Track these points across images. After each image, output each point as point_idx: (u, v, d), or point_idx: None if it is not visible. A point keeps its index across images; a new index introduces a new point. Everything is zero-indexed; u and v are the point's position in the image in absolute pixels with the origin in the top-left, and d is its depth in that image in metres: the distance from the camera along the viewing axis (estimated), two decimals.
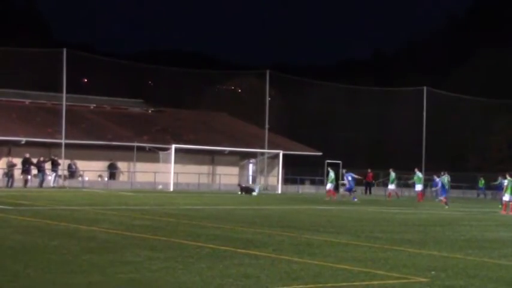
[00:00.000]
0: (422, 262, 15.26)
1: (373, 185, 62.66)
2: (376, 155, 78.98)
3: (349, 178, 43.86)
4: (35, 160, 49.84)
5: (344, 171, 44.61)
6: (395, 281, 12.60)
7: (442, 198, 43.44)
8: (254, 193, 48.16)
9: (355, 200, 42.87)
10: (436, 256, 16.52)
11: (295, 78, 70.53)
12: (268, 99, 62.63)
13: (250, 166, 52.67)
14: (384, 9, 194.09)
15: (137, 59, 72.87)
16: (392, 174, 53.06)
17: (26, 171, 49.39)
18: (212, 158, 59.95)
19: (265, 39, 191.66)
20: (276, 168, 59.35)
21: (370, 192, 59.74)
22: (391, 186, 53.18)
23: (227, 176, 58.69)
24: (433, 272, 13.73)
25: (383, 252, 16.87)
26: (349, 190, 44.14)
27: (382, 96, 79.63)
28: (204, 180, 58.73)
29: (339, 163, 63.28)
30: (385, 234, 21.56)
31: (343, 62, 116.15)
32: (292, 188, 57.54)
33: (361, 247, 17.76)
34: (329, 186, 47.05)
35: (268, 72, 62.36)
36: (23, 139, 51.46)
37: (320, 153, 63.67)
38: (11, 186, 47.84)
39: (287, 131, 70.77)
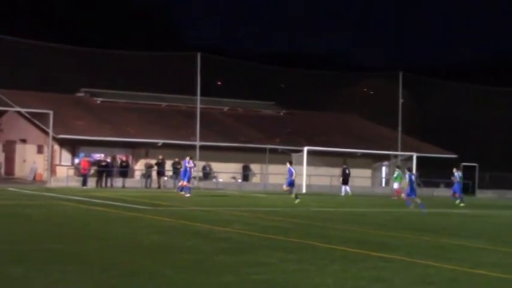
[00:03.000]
0: None
1: None
2: None
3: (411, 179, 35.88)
4: (170, 162, 51.11)
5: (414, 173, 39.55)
6: None
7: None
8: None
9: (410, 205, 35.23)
10: None
11: (428, 80, 69.27)
12: (401, 100, 61.82)
13: (383, 169, 52.03)
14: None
15: (268, 61, 73.40)
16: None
17: (161, 172, 50.70)
18: (344, 160, 59.64)
19: (395, 41, 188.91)
20: None
21: None
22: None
23: (359, 178, 58.30)
24: None
25: None
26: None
27: None
28: (336, 182, 58.52)
29: (475, 166, 61.73)
30: None
31: (474, 62, 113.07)
32: (426, 191, 56.42)
33: (499, 252, 17.26)
34: (396, 185, 47.89)
35: (401, 73, 61.57)
36: (160, 141, 52.81)
37: (455, 156, 62.27)
38: (149, 186, 49.39)
39: (420, 133, 69.58)
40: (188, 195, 37.72)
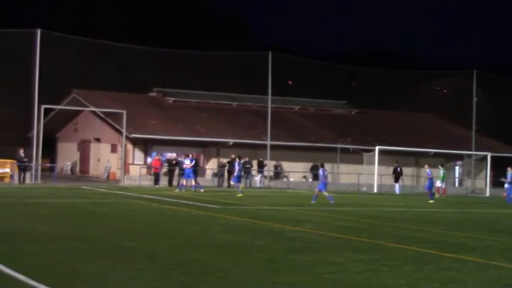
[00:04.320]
0: None
1: None
2: None
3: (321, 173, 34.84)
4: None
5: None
6: None
7: None
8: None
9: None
10: None
11: (503, 78, 67.94)
12: (475, 99, 60.82)
13: (457, 168, 51.33)
14: None
15: (339, 60, 73.01)
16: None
17: (231, 171, 50.85)
18: (416, 160, 59.01)
19: (469, 39, 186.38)
20: (484, 171, 57.45)
21: None
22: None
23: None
24: None
25: None
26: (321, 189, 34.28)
27: None
28: (408, 182, 57.90)
29: None
30: None
31: None
32: (501, 192, 55.34)
33: None
34: (438, 183, 47.00)
35: (475, 72, 60.57)
36: (231, 140, 53.07)
37: None
38: (221, 185, 49.58)
39: (495, 132, 68.29)
40: (201, 190, 39.24)
